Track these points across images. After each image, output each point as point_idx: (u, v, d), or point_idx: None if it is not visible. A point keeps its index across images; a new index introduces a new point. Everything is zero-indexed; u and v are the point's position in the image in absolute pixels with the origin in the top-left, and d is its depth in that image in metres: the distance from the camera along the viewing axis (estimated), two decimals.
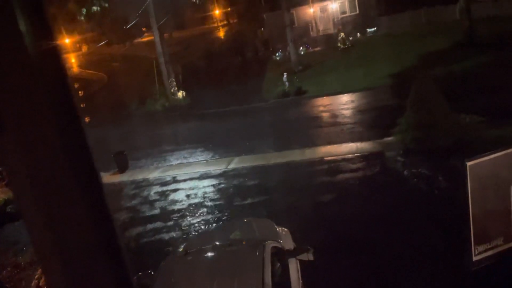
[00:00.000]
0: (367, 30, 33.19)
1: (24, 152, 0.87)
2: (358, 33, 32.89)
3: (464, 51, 21.83)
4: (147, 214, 11.70)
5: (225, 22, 54.11)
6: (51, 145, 0.89)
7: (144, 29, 36.20)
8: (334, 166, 12.37)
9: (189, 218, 10.94)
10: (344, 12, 34.47)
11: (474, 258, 4.06)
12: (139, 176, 14.85)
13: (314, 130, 16.32)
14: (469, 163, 4.19)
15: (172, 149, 17.22)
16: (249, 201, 11.25)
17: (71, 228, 0.91)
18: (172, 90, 26.11)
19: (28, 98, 0.87)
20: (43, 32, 0.90)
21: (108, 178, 14.74)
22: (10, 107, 0.86)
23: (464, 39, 23.89)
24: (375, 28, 33.12)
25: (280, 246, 6.31)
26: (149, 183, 14.01)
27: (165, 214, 11.42)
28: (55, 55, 0.91)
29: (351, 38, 31.54)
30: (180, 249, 6.92)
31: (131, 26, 25.29)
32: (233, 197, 11.75)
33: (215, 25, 57.81)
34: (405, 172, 11.12)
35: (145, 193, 13.31)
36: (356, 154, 12.89)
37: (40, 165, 0.88)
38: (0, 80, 0.86)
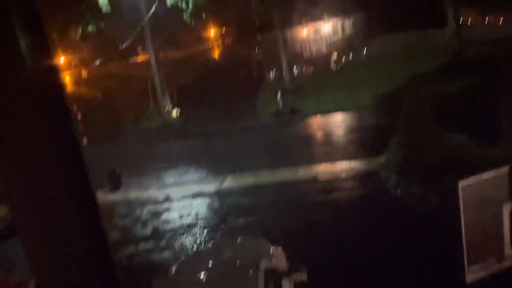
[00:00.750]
0: (359, 51, 33.70)
1: (22, 172, 0.88)
2: (350, 54, 33.39)
3: (454, 72, 22.18)
4: (139, 234, 11.58)
5: (220, 42, 54.70)
6: (48, 164, 0.90)
7: (139, 48, 36.49)
8: (328, 185, 12.39)
9: (181, 238, 10.84)
10: (337, 33, 35.05)
11: (468, 279, 4.07)
12: (132, 194, 14.74)
13: (307, 148, 16.38)
14: (460, 183, 4.24)
15: (166, 167, 17.15)
16: (242, 220, 11.19)
17: (66, 245, 0.91)
18: (166, 109, 26.17)
19: (26, 118, 0.89)
20: (42, 52, 0.92)
21: (100, 196, 14.61)
22: (8, 128, 0.88)
23: (454, 60, 24.33)
24: (366, 49, 33.65)
25: (273, 266, 6.27)
26: (142, 202, 13.90)
27: (157, 234, 11.31)
28: (54, 76, 0.93)
29: (343, 58, 32.00)
30: (172, 270, 6.84)
31: (126, 45, 25.47)
32: (226, 216, 11.69)
33: (210, 45, 58.39)
34: (398, 192, 11.16)
35: (138, 212, 13.19)
36: (349, 173, 12.94)
37: (37, 185, 0.89)
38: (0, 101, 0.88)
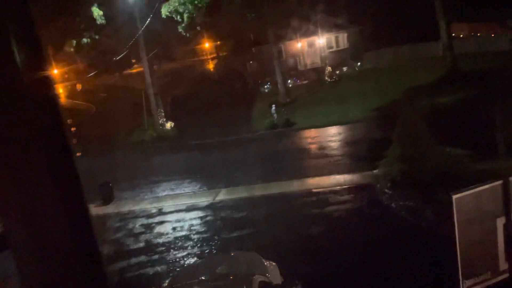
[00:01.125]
0: (353, 65, 33.96)
1: (15, 185, 0.88)
2: (344, 67, 33.63)
3: (447, 85, 22.38)
4: (131, 248, 11.43)
5: (215, 55, 54.98)
6: (42, 177, 0.89)
7: (133, 60, 36.57)
8: (322, 198, 12.33)
9: (174, 252, 10.70)
10: (331, 47, 35.34)
11: None
12: (125, 207, 14.59)
13: (302, 161, 16.36)
14: (455, 196, 4.21)
15: (159, 180, 17.04)
16: (236, 233, 11.08)
17: (58, 259, 0.91)
18: (160, 121, 26.12)
19: (19, 131, 0.88)
20: (37, 63, 0.91)
21: (92, 209, 14.44)
22: (2, 143, 0.87)
23: (447, 74, 24.57)
24: (360, 63, 33.93)
25: (267, 280, 6.18)
26: (134, 215, 13.76)
27: (150, 247, 11.16)
28: (48, 88, 0.93)
29: (337, 72, 32.21)
30: (165, 284, 6.73)
31: (120, 57, 25.50)
32: (220, 229, 11.58)
33: (205, 57, 58.66)
34: (393, 205, 11.13)
35: (130, 225, 13.04)
36: (344, 186, 12.90)
37: (30, 198, 0.89)
38: None
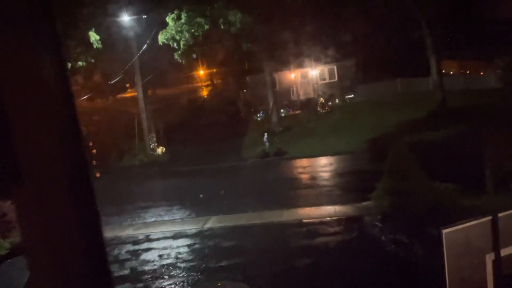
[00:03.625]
0: (345, 97, 34.46)
1: (39, 206, 0.90)
2: (336, 99, 34.09)
3: (437, 121, 22.73)
4: (116, 275, 11.14)
5: (209, 82, 55.51)
6: (62, 196, 0.91)
7: (128, 85, 36.78)
8: (312, 229, 12.23)
9: (160, 280, 10.45)
10: (323, 79, 35.91)
11: None
12: (110, 233, 14.28)
13: (292, 191, 16.30)
14: (445, 231, 4.21)
15: (147, 205, 16.82)
16: (224, 263, 10.88)
17: (72, 267, 0.93)
18: (151, 146, 26.04)
19: (44, 148, 0.89)
20: (63, 77, 0.93)
21: None
22: (28, 161, 0.89)
23: (437, 109, 25.00)
24: (353, 95, 34.44)
25: None
26: (120, 241, 13.48)
27: (135, 275, 10.90)
28: (71, 104, 0.95)
29: (330, 103, 32.63)
30: None
31: (115, 81, 25.65)
32: (208, 258, 11.37)
33: (200, 84, 59.18)
34: (382, 238, 11.06)
35: (116, 251, 12.76)
36: (334, 218, 12.83)
37: (52, 217, 0.91)
38: (21, 132, 0.88)
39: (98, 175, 19.41)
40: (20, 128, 0.88)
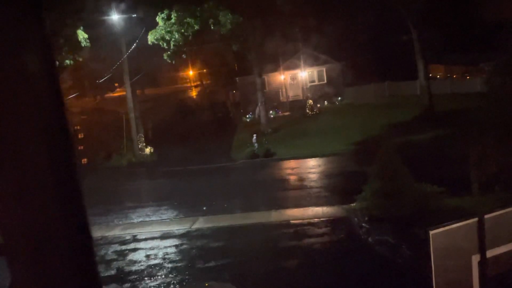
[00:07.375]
0: (333, 99, 34.67)
1: (20, 203, 0.87)
2: (325, 101, 34.27)
3: (424, 124, 22.98)
4: (102, 275, 11.03)
5: (198, 82, 55.34)
6: (47, 197, 0.88)
7: (116, 84, 36.49)
8: (300, 230, 12.26)
9: (147, 281, 10.37)
10: (313, 81, 36.06)
11: None
12: (97, 233, 14.13)
13: (281, 192, 16.32)
14: (432, 232, 4.25)
15: (135, 206, 16.69)
16: (212, 263, 10.85)
17: (56, 267, 0.90)
18: (140, 146, 25.84)
19: (25, 144, 0.87)
20: (51, 74, 0.91)
21: None
22: (6, 151, 0.86)
23: (424, 112, 25.29)
24: (341, 97, 34.66)
25: None
26: (107, 241, 13.35)
27: (122, 275, 10.80)
28: (60, 101, 0.93)
29: (318, 105, 32.78)
30: None
31: (103, 80, 25.41)
32: (195, 259, 11.32)
33: (189, 84, 58.96)
34: (370, 239, 11.13)
35: (102, 251, 12.63)
36: (321, 219, 12.88)
37: (35, 216, 0.88)
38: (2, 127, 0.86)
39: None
40: (2, 123, 0.86)
